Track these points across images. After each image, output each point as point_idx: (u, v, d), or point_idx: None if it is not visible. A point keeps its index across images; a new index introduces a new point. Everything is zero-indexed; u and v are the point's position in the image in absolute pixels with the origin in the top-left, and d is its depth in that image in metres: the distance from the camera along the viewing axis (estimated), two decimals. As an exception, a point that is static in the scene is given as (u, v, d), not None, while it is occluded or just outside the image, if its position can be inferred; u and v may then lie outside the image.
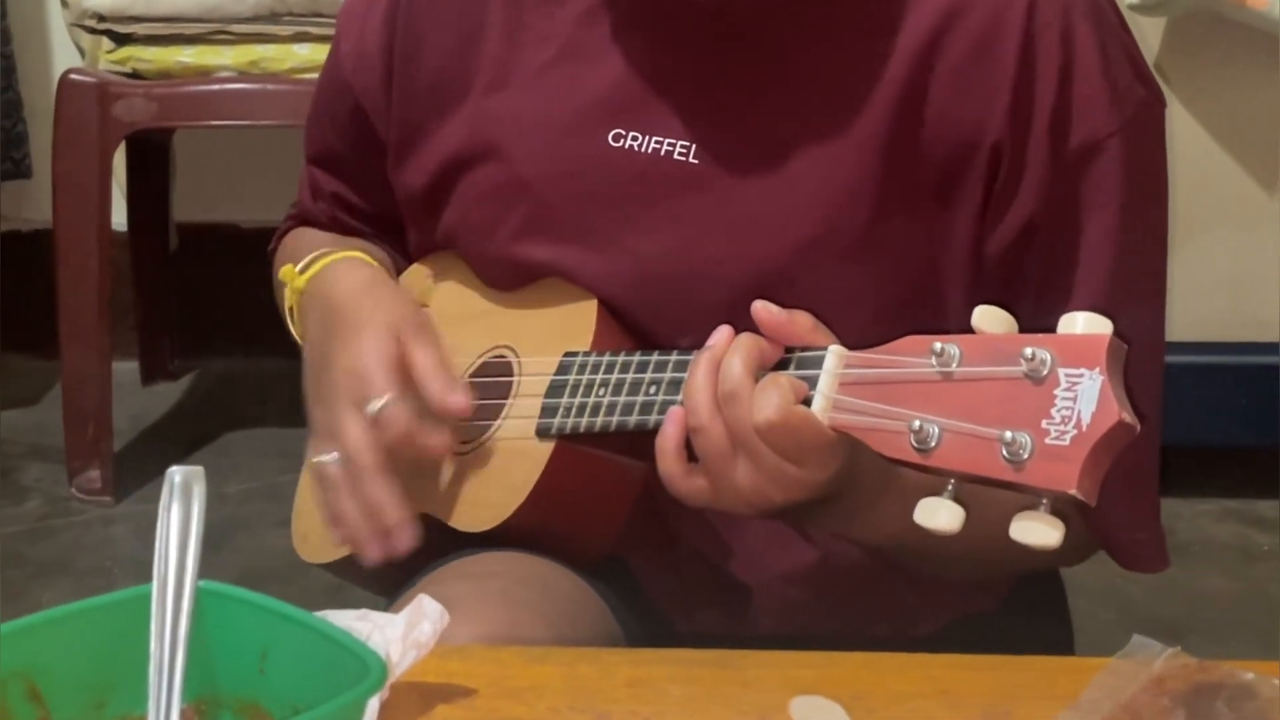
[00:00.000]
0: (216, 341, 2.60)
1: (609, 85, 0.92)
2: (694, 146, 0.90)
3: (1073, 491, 0.64)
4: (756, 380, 0.77)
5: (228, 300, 2.59)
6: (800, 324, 0.79)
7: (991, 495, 0.68)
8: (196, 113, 2.15)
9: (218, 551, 1.95)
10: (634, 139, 0.91)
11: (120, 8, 2.10)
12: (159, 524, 0.61)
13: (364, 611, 0.67)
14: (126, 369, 2.41)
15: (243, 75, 2.13)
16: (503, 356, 0.97)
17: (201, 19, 2.10)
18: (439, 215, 0.99)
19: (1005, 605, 1.02)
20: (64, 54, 2.52)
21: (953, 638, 1.00)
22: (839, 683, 0.66)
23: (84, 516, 2.10)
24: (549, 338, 0.94)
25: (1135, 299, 0.91)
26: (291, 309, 1.01)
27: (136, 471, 2.19)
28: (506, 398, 0.94)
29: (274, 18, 2.11)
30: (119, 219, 2.40)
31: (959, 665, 0.72)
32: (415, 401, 0.90)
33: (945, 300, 0.91)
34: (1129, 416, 0.65)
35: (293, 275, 1.01)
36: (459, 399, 0.89)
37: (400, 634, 0.66)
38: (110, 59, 2.14)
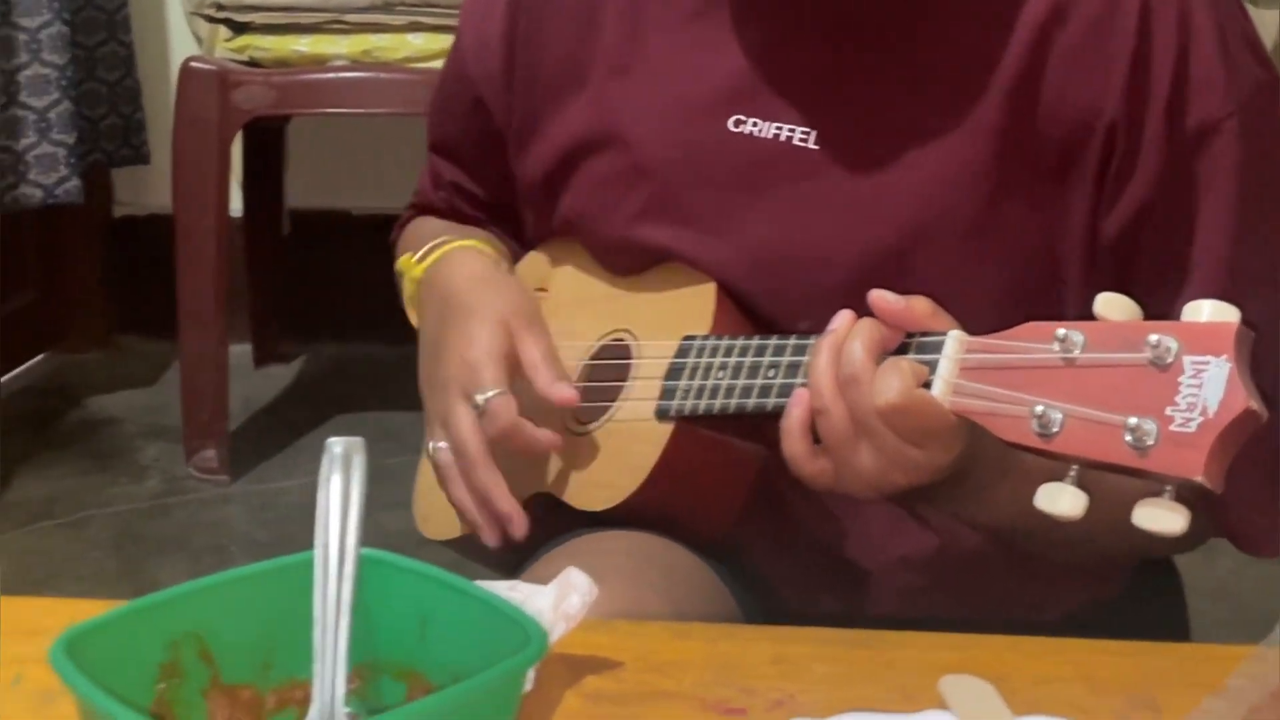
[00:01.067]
0: (325, 326, 2.64)
1: (729, 71, 0.93)
2: (813, 133, 0.91)
3: (1199, 478, 0.64)
4: (878, 364, 0.78)
5: (337, 285, 2.63)
6: (919, 310, 0.80)
7: (1112, 480, 0.68)
8: (313, 100, 2.18)
9: None
10: (754, 125, 0.92)
11: (240, -3, 2.14)
12: (319, 494, 0.63)
13: (514, 583, 0.69)
14: (239, 352, 2.46)
15: (356, 64, 2.16)
16: (621, 340, 0.98)
17: (317, 8, 2.14)
18: (558, 201, 1.01)
19: (1122, 596, 1.01)
20: (181, 43, 2.57)
21: (1070, 627, 1.01)
22: (981, 664, 0.66)
23: (200, 495, 2.15)
24: (667, 322, 0.95)
25: (1254, 281, 0.90)
26: (409, 297, 1.03)
27: (250, 451, 2.24)
28: (625, 380, 0.95)
29: (387, 7, 2.14)
30: (234, 205, 2.45)
31: (1100, 650, 0.72)
32: (524, 393, 0.92)
33: (1060, 284, 0.91)
34: (1257, 404, 0.64)
35: (410, 265, 1.03)
36: (565, 390, 0.91)
37: (550, 605, 0.67)
38: (228, 47, 2.18)
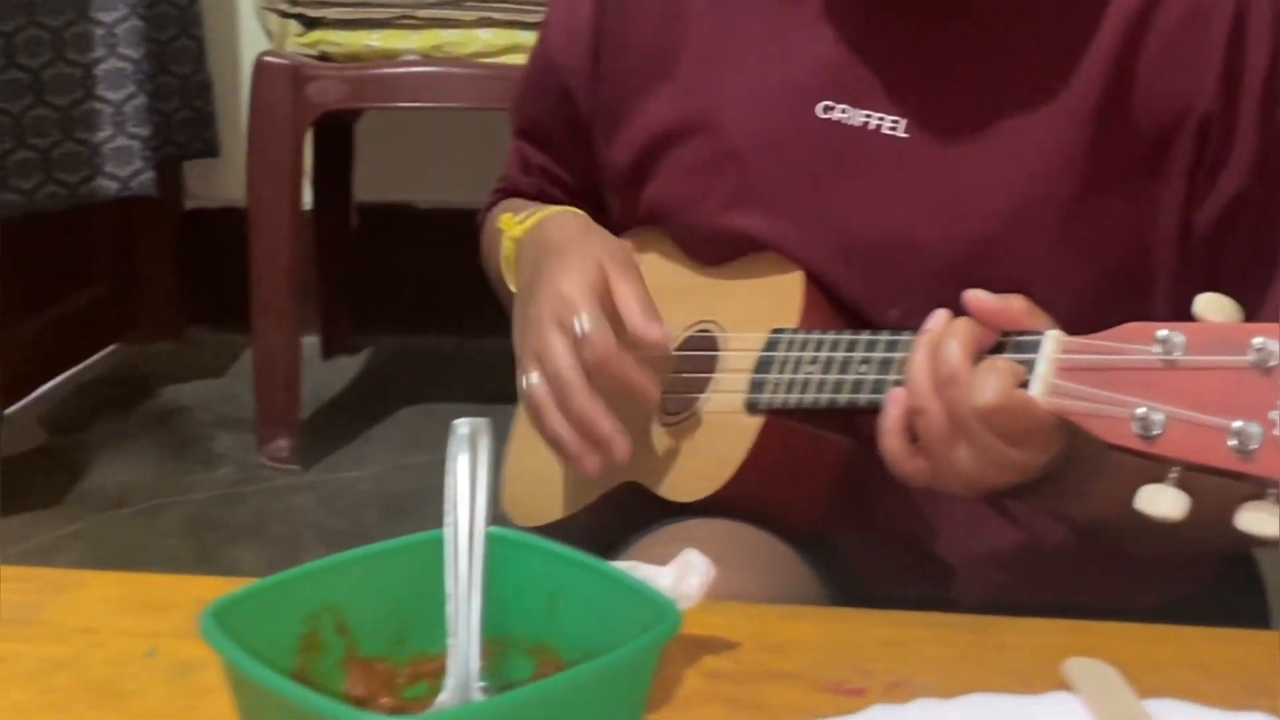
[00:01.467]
0: (392, 318, 2.66)
1: (818, 59, 0.93)
2: (904, 121, 0.91)
3: None
4: (975, 364, 0.78)
5: (404, 278, 2.65)
6: (1016, 308, 0.79)
7: (1211, 480, 0.68)
8: (385, 94, 2.19)
9: (407, 520, 2.02)
10: (843, 111, 0.92)
11: (313, -8, 2.16)
12: (447, 473, 0.64)
13: (633, 564, 0.70)
14: (308, 344, 2.47)
15: (427, 59, 2.17)
16: (707, 331, 0.98)
17: (389, 3, 2.15)
18: (645, 188, 1.01)
19: (1205, 590, 1.01)
20: (251, 38, 2.59)
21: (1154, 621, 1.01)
22: (1094, 650, 0.67)
23: (273, 484, 2.17)
24: (754, 312, 0.95)
25: None
26: (508, 257, 1.03)
27: (320, 442, 2.26)
28: (712, 371, 0.96)
29: (457, 3, 2.15)
30: (304, 199, 2.47)
31: (1213, 638, 0.72)
32: (607, 387, 0.91)
33: (1151, 276, 0.91)
34: None
35: (511, 224, 1.03)
36: (657, 328, 0.90)
37: (670, 585, 0.68)
38: (299, 42, 2.19)
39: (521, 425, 1.10)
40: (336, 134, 2.53)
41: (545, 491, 1.05)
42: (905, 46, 0.92)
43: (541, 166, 1.12)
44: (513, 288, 1.02)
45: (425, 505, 2.05)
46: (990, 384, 0.76)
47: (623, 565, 0.69)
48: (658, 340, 0.90)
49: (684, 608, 0.68)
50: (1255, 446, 0.65)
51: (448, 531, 0.62)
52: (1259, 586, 1.06)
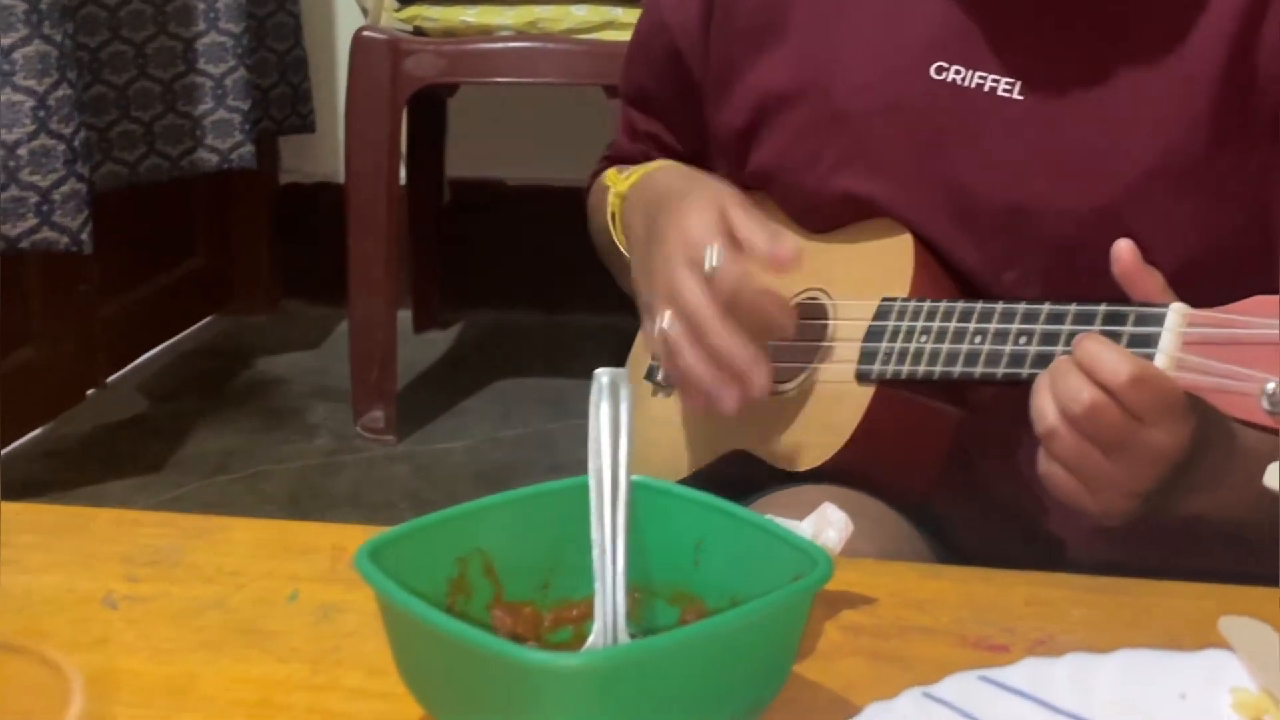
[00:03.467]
0: (482, 293, 2.67)
1: (931, 19, 0.92)
2: (1018, 83, 0.90)
3: None
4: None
5: (494, 254, 2.67)
6: (1154, 280, 0.79)
7: None
8: (481, 69, 2.20)
9: (499, 490, 2.03)
10: (957, 73, 0.91)
11: (412, -33, 2.17)
12: (590, 422, 0.64)
13: (769, 517, 0.69)
14: (401, 317, 2.46)
15: (522, 34, 2.17)
16: (815, 299, 0.97)
17: (484, -22, 2.16)
18: (754, 152, 1.00)
19: None
20: (346, 14, 2.61)
21: None
22: (1243, 611, 0.66)
23: (369, 454, 2.19)
24: (864, 279, 0.95)
25: None
26: (614, 214, 1.02)
27: (413, 414, 2.27)
28: (822, 340, 0.95)
29: (552, -22, 2.15)
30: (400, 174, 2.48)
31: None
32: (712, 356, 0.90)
33: (1272, 247, 0.88)
34: None
35: (616, 180, 1.02)
36: (785, 246, 0.88)
37: (809, 538, 0.68)
38: (396, 17, 2.21)
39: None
40: (430, 110, 2.54)
41: (655, 457, 1.05)
42: (1017, 6, 0.90)
43: (649, 133, 1.12)
44: (620, 245, 1.02)
45: (518, 477, 2.07)
46: (1118, 358, 0.75)
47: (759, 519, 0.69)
48: (786, 257, 0.88)
49: (822, 561, 0.68)
50: (1385, 419, 0.63)
51: (592, 479, 0.62)
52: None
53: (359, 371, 2.21)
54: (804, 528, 0.69)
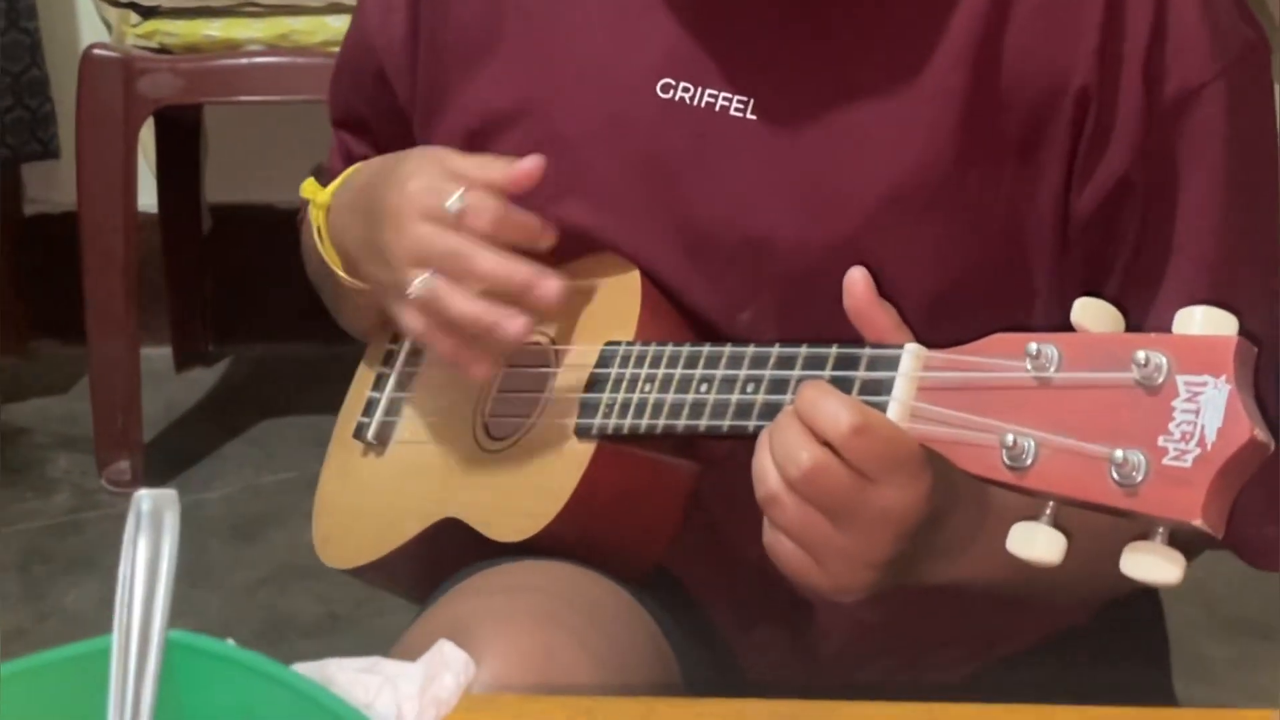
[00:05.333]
0: (252, 326, 2.55)
1: (656, 34, 0.86)
2: (751, 101, 0.84)
3: (1197, 522, 0.57)
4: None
5: (264, 283, 2.54)
6: (888, 317, 0.73)
7: (1097, 518, 0.61)
8: (225, 88, 2.10)
9: (251, 545, 1.94)
10: (685, 90, 0.85)
11: (144, -21, 2.05)
12: (122, 560, 0.53)
13: (375, 660, 0.58)
14: (160, 355, 2.37)
15: (273, 49, 2.07)
16: (537, 344, 0.90)
17: (229, -10, 2.05)
18: None
19: (1097, 618, 0.94)
20: (91, 31, 2.47)
21: (1041, 657, 0.94)
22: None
23: (114, 510, 2.06)
24: (588, 322, 0.88)
25: (1244, 269, 0.83)
26: (319, 228, 0.95)
27: (171, 461, 2.15)
28: (542, 390, 0.88)
29: (304, -12, 2.06)
30: (150, 200, 2.36)
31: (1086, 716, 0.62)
32: (424, 398, 0.87)
33: (1027, 270, 0.84)
34: (1262, 433, 0.57)
35: (316, 189, 0.95)
36: (527, 166, 0.83)
37: (417, 689, 0.57)
38: (136, 33, 2.09)
39: (336, 452, 1.02)
40: (184, 131, 2.42)
41: (359, 528, 0.97)
42: (750, 21, 0.84)
43: (365, 157, 1.03)
44: (333, 262, 0.93)
45: (273, 529, 1.96)
46: (838, 408, 0.69)
47: (362, 663, 0.58)
48: (527, 176, 0.83)
49: (438, 714, 0.57)
50: (1140, 479, 0.58)
51: (117, 640, 0.50)
52: (1156, 614, 0.99)
53: (101, 418, 2.09)
54: (413, 675, 0.58)
